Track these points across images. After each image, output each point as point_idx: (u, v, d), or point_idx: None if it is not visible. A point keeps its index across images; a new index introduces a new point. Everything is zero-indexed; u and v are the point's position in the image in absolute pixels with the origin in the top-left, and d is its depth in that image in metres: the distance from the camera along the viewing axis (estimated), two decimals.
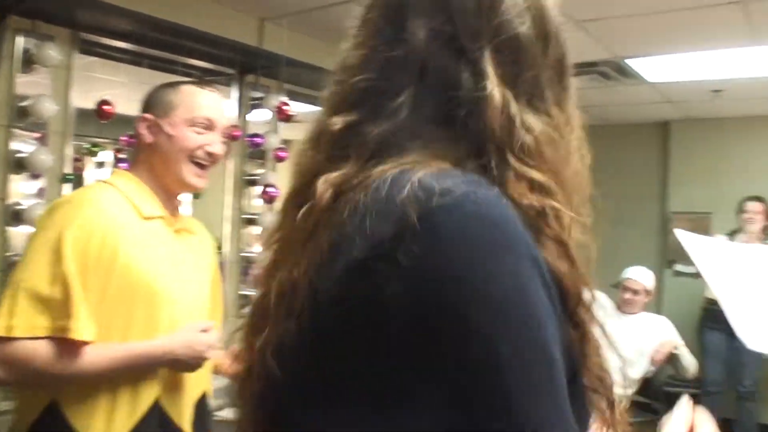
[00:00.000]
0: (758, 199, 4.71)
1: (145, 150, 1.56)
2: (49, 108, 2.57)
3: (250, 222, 3.59)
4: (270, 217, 3.50)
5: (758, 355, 4.58)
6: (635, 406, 4.32)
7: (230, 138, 2.39)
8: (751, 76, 4.15)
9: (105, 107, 2.79)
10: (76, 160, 2.90)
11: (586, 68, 3.93)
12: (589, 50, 3.69)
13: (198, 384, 1.56)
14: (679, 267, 5.69)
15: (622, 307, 4.05)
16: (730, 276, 1.18)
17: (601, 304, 3.60)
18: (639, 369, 4.19)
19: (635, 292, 4.04)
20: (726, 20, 3.17)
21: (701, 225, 5.59)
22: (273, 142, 3.55)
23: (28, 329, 1.33)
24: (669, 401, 4.81)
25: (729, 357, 4.74)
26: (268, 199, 3.49)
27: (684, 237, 1.29)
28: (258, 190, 3.56)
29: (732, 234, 4.82)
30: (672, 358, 4.02)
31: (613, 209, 6.07)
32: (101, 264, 1.38)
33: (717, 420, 0.89)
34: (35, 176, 2.60)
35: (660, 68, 4.07)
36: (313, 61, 3.27)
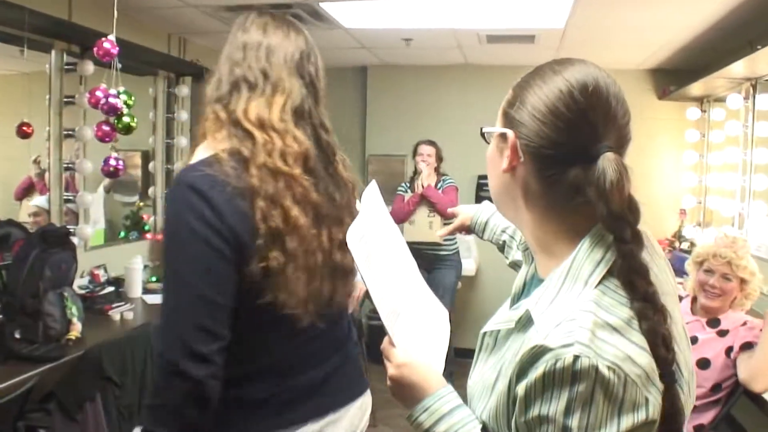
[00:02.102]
0: (430, 142, 5.07)
1: None
2: None
3: None
4: None
5: (451, 289, 5.00)
6: None
7: None
8: (438, 27, 4.37)
9: None
10: None
11: (280, 9, 3.80)
12: None
13: None
14: None
15: None
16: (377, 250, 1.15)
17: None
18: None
19: None
20: None
21: (396, 167, 5.92)
22: None
23: None
24: (371, 334, 5.10)
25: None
26: None
27: (369, 194, 1.22)
28: None
29: (411, 179, 5.14)
30: (369, 295, 4.22)
31: None
32: None
33: None
34: None
35: (354, 14, 4.10)
36: None
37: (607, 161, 0.90)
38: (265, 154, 1.32)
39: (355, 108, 6.08)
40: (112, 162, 3.38)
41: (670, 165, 5.39)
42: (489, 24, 4.26)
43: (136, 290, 3.82)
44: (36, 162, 3.54)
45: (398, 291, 1.21)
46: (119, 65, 3.31)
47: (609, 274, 0.92)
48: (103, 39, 3.21)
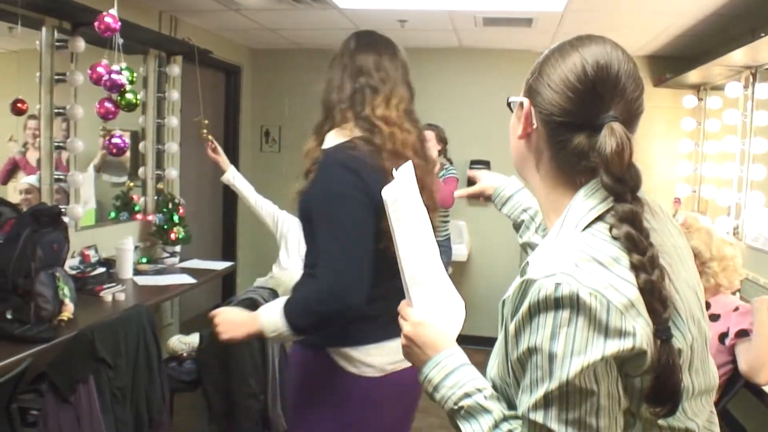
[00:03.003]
0: (430, 126, 5.03)
1: None
2: None
3: None
4: None
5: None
6: None
7: None
8: (433, 9, 4.33)
9: None
10: None
11: None
12: None
13: None
14: None
15: None
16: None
17: (293, 226, 3.62)
18: None
19: None
20: None
21: None
22: None
23: None
24: None
25: None
26: None
27: (405, 171, 1.26)
28: None
29: None
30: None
31: (307, 133, 6.10)
32: None
33: None
34: None
35: None
36: None
37: (610, 130, 0.97)
38: (390, 143, 1.78)
39: None
40: (116, 140, 3.33)
41: (665, 153, 5.38)
42: (486, 6, 4.22)
43: (127, 271, 3.77)
44: (13, 141, 3.46)
45: (422, 264, 1.28)
46: (120, 41, 3.25)
47: (599, 220, 0.98)
48: (105, 13, 3.14)
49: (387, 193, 1.19)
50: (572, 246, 0.95)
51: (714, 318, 2.72)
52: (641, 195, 1.00)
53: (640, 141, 1.07)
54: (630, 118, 1.01)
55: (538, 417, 0.91)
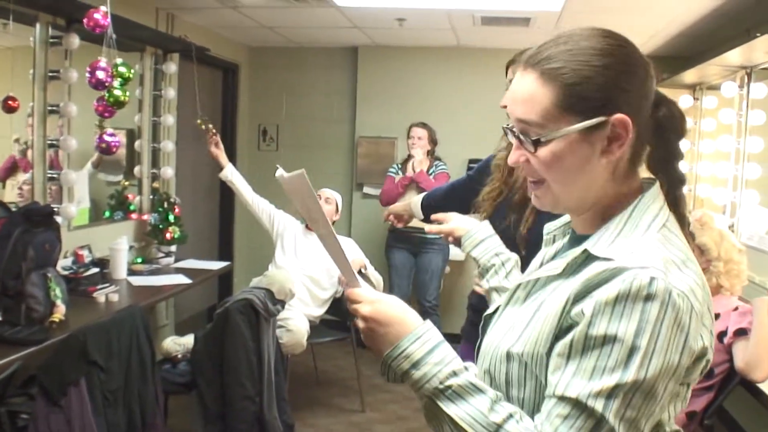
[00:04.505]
0: (423, 125, 5.03)
1: None
2: None
3: None
4: None
5: (438, 274, 5.01)
6: (329, 324, 4.44)
7: None
8: (431, 7, 4.30)
9: None
10: None
11: None
12: None
13: None
14: (367, 189, 5.92)
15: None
16: None
17: (289, 225, 3.62)
18: (329, 290, 4.32)
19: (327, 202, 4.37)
20: None
21: (386, 149, 5.85)
22: None
23: None
24: None
25: (413, 274, 5.12)
26: None
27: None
28: None
29: (404, 161, 5.12)
30: (361, 277, 4.23)
31: (306, 131, 6.10)
32: None
33: None
34: None
35: None
36: None
37: (672, 104, 1.07)
38: None
39: (345, 89, 6.00)
40: (108, 138, 3.29)
41: None
42: (484, 5, 4.20)
43: (121, 271, 3.74)
44: (17, 141, 3.43)
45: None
46: (114, 36, 3.21)
47: (663, 226, 1.00)
48: (94, 9, 3.11)
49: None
50: (654, 245, 0.96)
51: (714, 317, 2.71)
52: None
53: None
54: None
55: (598, 405, 0.88)
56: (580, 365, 0.90)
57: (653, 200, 1.03)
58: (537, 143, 1.00)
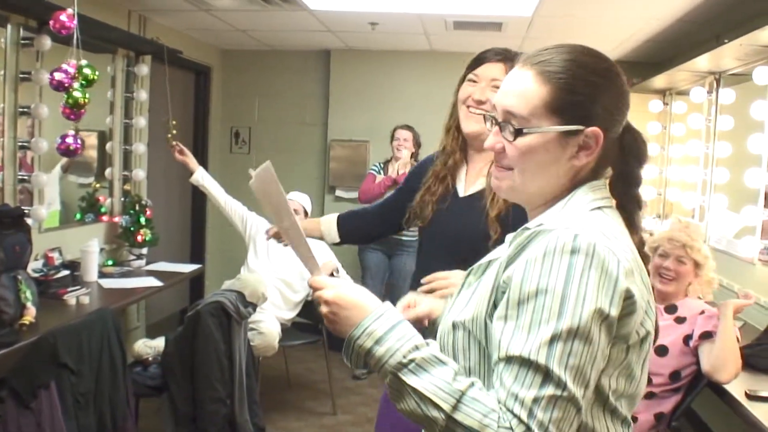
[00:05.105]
0: (408, 127, 5.06)
1: None
2: None
3: None
4: None
5: (409, 275, 5.02)
6: (301, 327, 4.44)
7: None
8: (403, 12, 4.33)
9: None
10: None
11: None
12: None
13: None
14: (339, 192, 5.93)
15: None
16: None
17: (262, 227, 3.54)
18: (301, 292, 4.32)
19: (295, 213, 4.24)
20: None
21: (359, 152, 5.88)
22: None
23: None
24: None
25: (386, 276, 5.13)
26: None
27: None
28: None
29: (386, 162, 5.14)
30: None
31: (278, 134, 6.09)
32: None
33: None
34: None
35: None
36: None
37: (637, 132, 1.20)
38: None
39: (318, 92, 6.00)
40: (69, 140, 3.25)
41: None
42: (456, 9, 4.24)
43: (92, 274, 3.71)
44: None
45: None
46: (80, 37, 3.18)
47: (598, 209, 1.08)
48: (60, 11, 3.09)
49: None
50: (585, 216, 1.05)
51: (680, 320, 2.76)
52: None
53: None
54: None
55: (540, 357, 0.91)
56: (518, 323, 0.95)
57: (594, 190, 1.11)
58: (518, 133, 1.09)
